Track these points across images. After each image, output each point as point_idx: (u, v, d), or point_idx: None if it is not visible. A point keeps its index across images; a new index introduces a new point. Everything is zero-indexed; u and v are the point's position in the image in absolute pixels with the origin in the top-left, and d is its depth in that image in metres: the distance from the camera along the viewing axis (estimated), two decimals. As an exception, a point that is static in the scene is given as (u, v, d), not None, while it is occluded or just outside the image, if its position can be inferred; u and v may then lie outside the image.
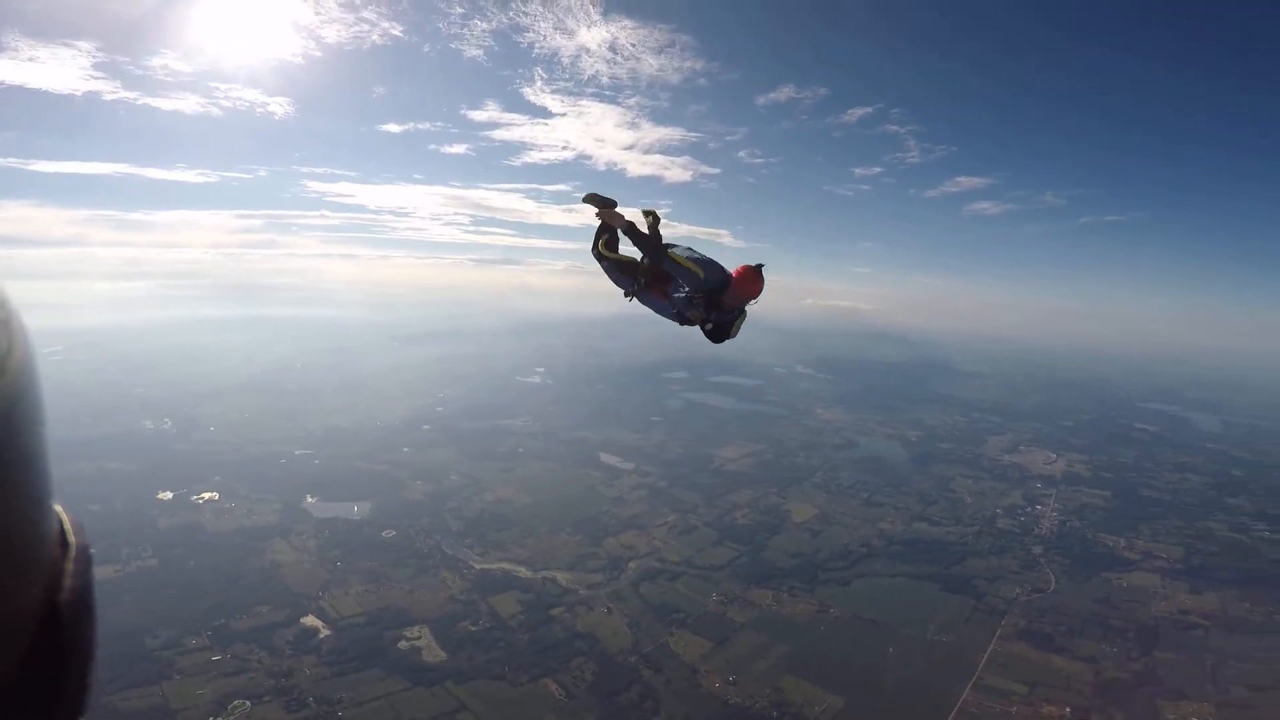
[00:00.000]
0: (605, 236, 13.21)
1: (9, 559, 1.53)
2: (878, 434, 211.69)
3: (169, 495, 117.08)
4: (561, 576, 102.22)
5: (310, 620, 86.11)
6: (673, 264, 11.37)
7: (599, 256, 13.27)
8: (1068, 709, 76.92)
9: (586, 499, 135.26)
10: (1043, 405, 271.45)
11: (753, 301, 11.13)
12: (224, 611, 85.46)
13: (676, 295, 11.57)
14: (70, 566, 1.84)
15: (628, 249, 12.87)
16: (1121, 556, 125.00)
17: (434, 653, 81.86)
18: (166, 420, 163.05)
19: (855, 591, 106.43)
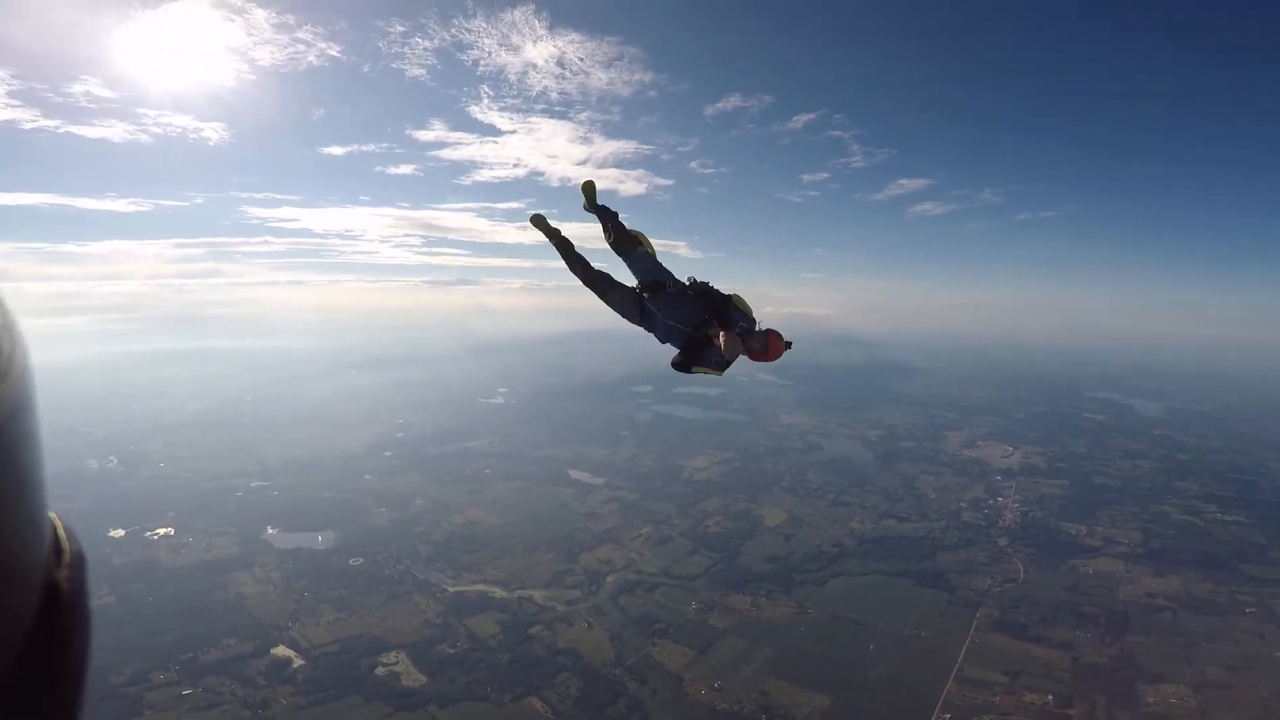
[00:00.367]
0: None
1: (6, 564, 1.52)
2: (840, 436, 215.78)
3: (121, 533, 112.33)
4: (538, 594, 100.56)
5: (281, 650, 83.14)
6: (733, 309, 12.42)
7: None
8: (1049, 696, 78.45)
9: (559, 516, 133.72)
10: (995, 399, 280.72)
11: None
12: (190, 645, 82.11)
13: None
14: (65, 573, 1.84)
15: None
16: (1084, 544, 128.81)
17: (413, 677, 79.63)
18: (112, 458, 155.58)
19: (831, 591, 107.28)
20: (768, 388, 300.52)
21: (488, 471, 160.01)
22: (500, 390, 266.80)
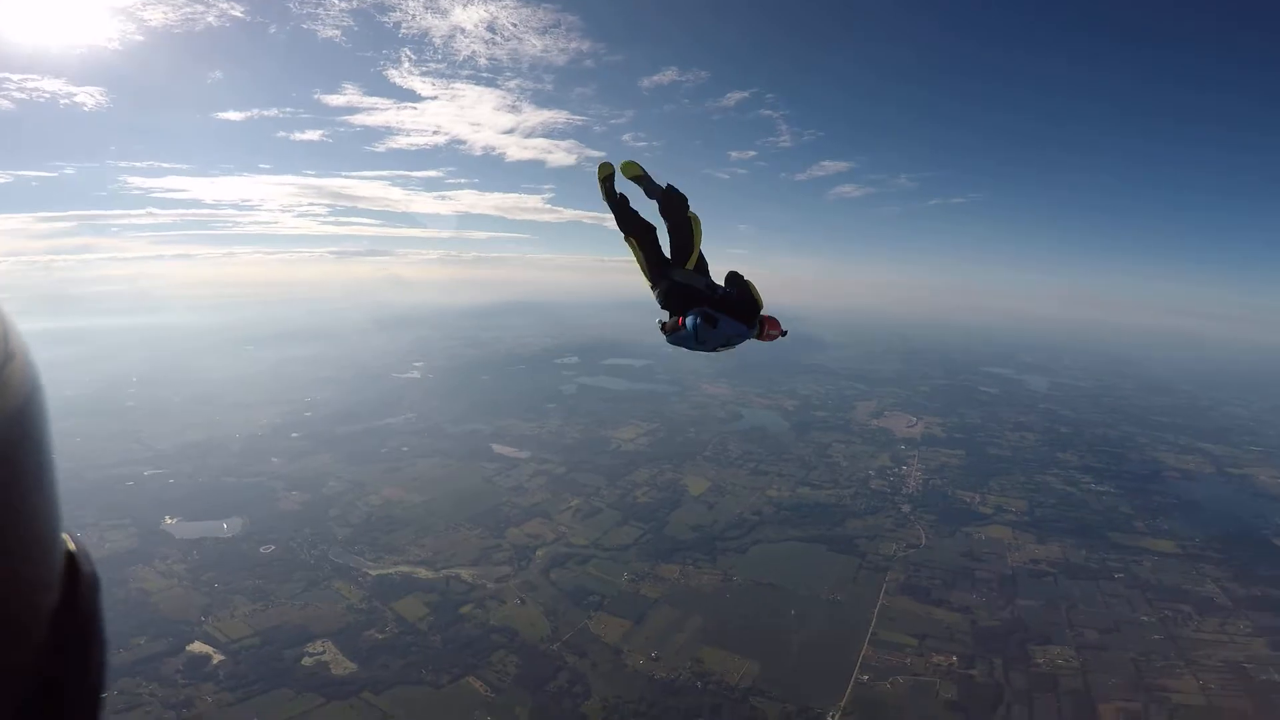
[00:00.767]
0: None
1: (18, 586, 1.49)
2: (759, 406, 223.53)
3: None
4: (466, 573, 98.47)
5: (198, 646, 78.04)
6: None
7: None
8: (954, 658, 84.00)
9: (483, 492, 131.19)
10: (901, 372, 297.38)
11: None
12: (95, 647, 75.22)
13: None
14: (81, 595, 1.80)
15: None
16: (978, 511, 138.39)
17: (342, 665, 76.48)
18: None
19: (753, 559, 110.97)
20: (692, 359, 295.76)
21: (405, 449, 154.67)
22: (416, 364, 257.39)
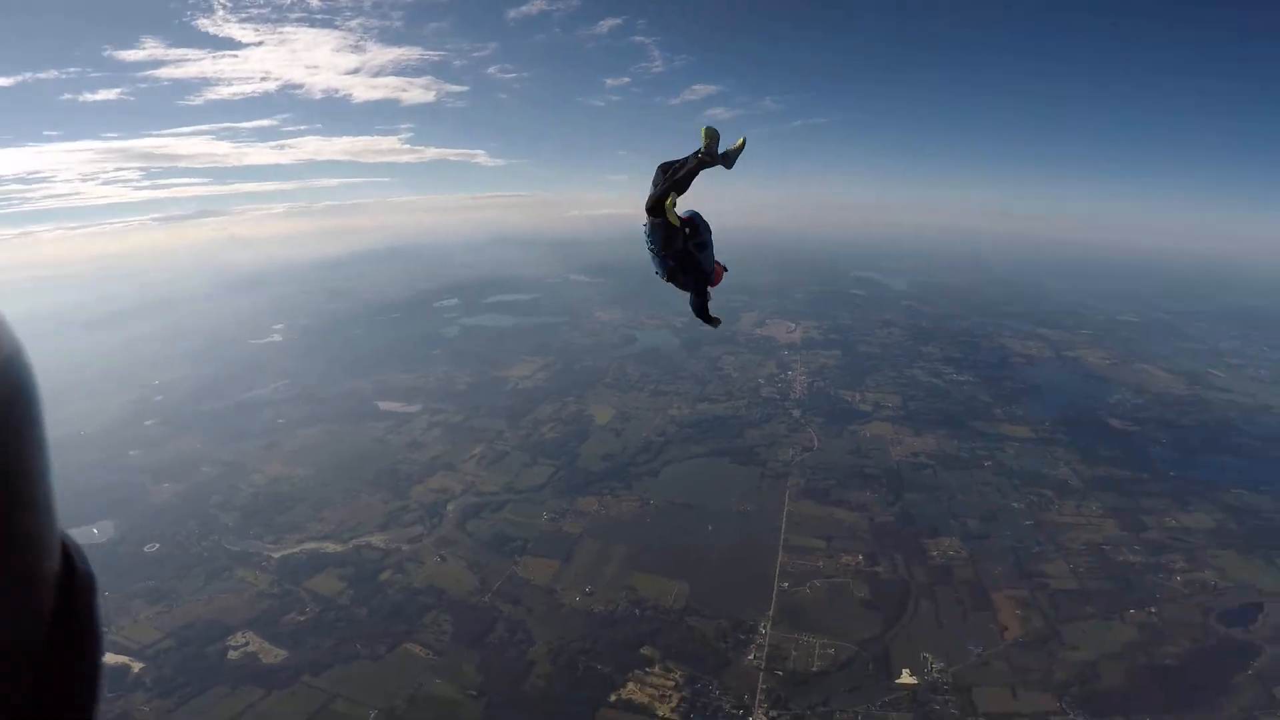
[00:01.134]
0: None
1: (11, 585, 1.48)
2: (650, 327, 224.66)
3: None
4: (377, 540, 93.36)
5: (111, 658, 69.88)
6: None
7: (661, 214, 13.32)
8: (860, 557, 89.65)
9: (376, 453, 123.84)
10: (778, 282, 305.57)
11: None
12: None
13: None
14: (77, 595, 1.80)
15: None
16: (859, 409, 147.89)
17: (271, 654, 71.52)
18: None
19: (665, 480, 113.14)
20: (580, 288, 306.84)
21: (281, 420, 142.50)
22: (275, 327, 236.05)
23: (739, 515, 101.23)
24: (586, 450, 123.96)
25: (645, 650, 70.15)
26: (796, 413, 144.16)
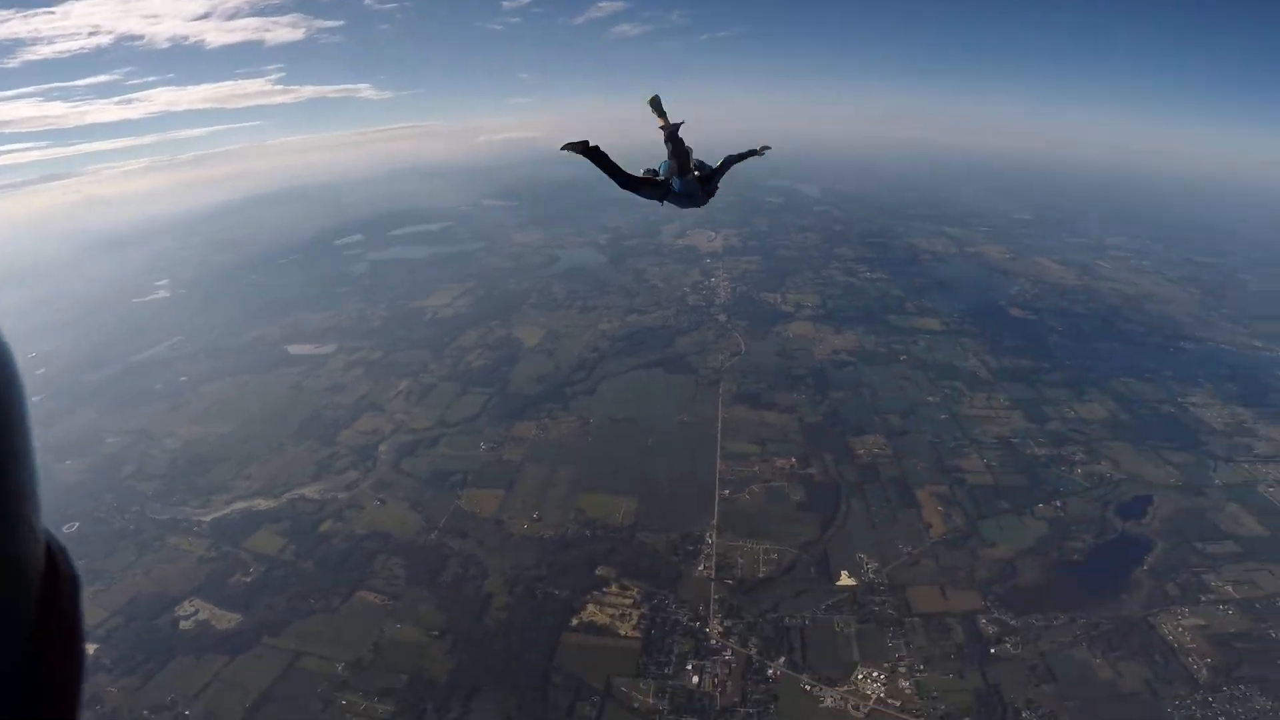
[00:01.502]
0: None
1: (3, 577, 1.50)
2: (573, 245, 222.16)
3: None
4: (310, 490, 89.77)
5: None
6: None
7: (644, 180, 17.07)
8: (793, 459, 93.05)
9: (295, 401, 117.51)
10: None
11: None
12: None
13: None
14: (60, 595, 1.79)
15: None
16: (781, 311, 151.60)
17: (224, 619, 68.94)
18: None
19: (602, 397, 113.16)
20: (495, 212, 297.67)
21: (184, 379, 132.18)
22: (159, 283, 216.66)
23: (678, 425, 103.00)
24: (518, 374, 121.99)
25: (601, 571, 71.62)
26: (723, 318, 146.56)
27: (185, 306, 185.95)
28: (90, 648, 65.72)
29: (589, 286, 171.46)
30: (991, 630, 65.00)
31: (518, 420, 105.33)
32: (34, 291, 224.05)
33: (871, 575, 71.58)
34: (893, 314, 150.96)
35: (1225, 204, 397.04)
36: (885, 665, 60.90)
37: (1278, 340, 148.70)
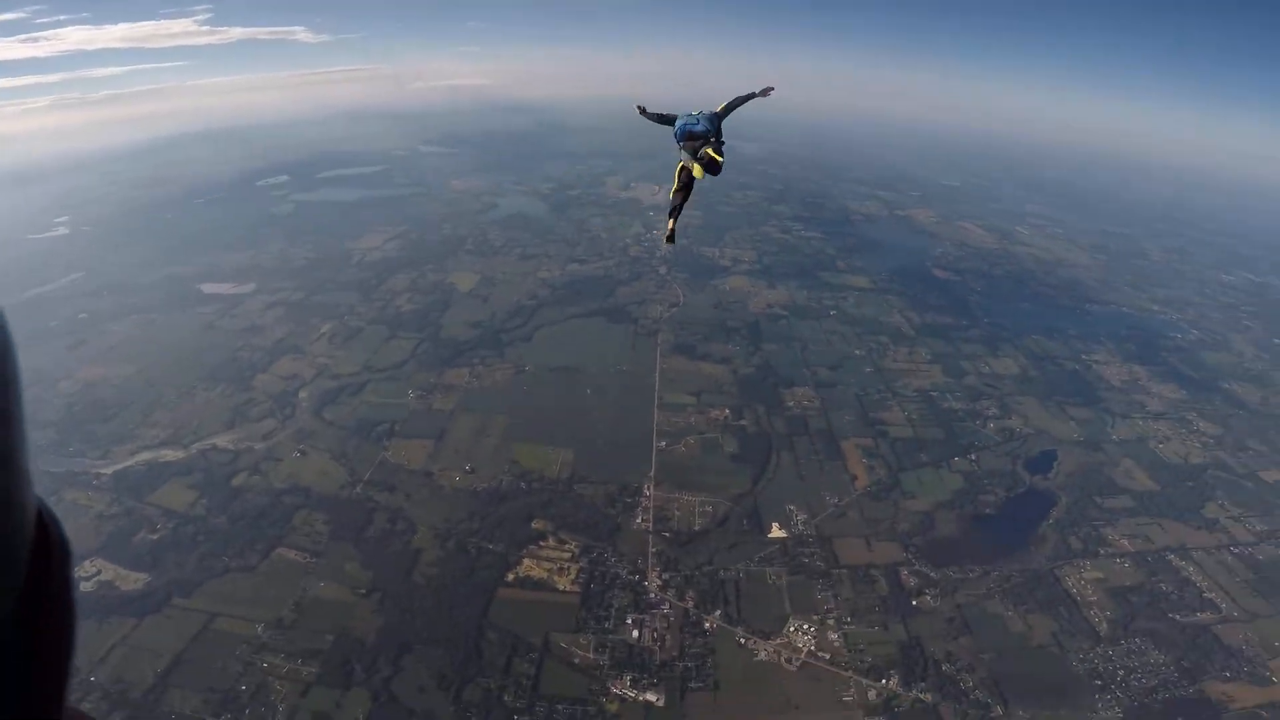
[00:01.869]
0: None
1: None
2: (515, 193, 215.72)
3: None
4: (223, 440, 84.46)
5: None
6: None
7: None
8: (727, 410, 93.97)
9: (208, 342, 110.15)
10: (644, 148, 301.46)
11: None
12: None
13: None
14: (53, 565, 1.80)
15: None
16: (719, 265, 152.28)
17: (129, 579, 64.37)
18: None
19: (539, 344, 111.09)
20: (432, 158, 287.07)
21: (83, 315, 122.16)
22: (59, 220, 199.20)
23: (616, 374, 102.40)
24: (451, 319, 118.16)
25: (537, 524, 70.77)
26: (663, 270, 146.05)
27: (88, 243, 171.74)
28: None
29: (529, 234, 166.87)
30: (913, 582, 68.16)
31: (449, 367, 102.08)
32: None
33: (800, 527, 73.67)
34: (825, 271, 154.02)
35: (1139, 179, 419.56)
36: (815, 618, 63.09)
37: (1173, 305, 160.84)
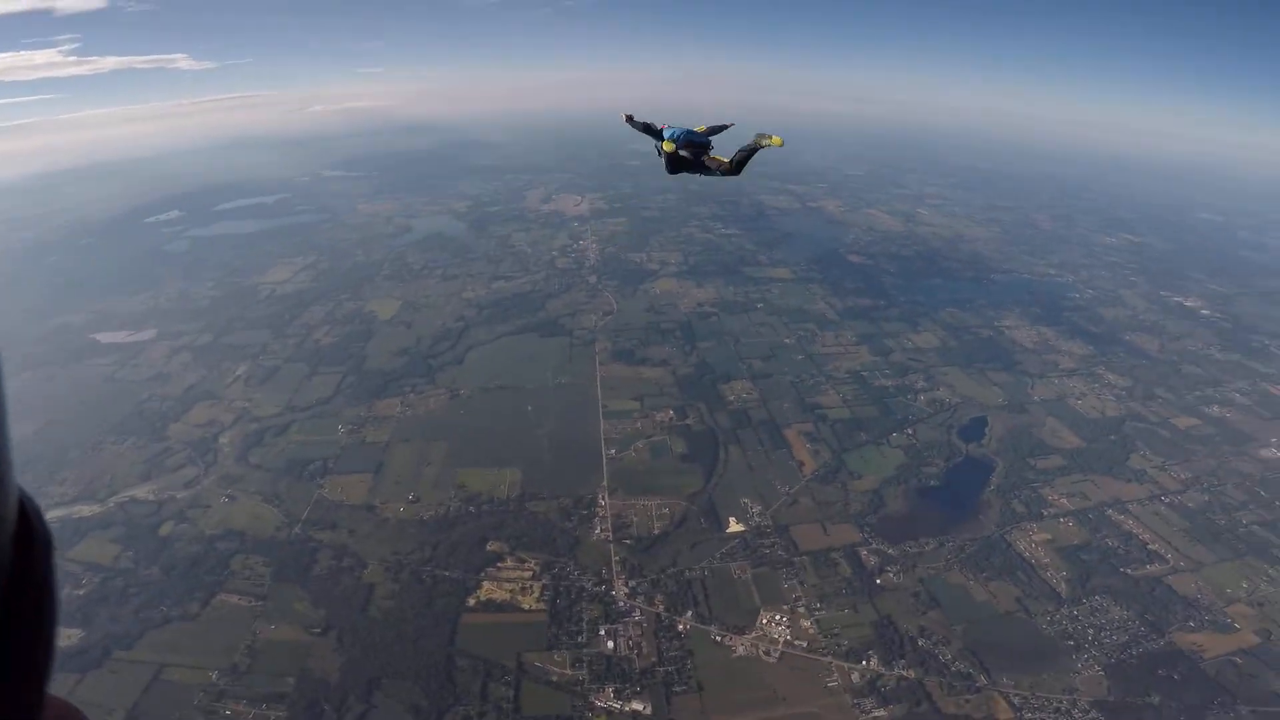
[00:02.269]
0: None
1: None
2: (430, 213, 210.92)
3: None
4: (141, 492, 78.59)
5: None
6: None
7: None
8: (671, 412, 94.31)
9: (111, 394, 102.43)
10: (561, 159, 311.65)
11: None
12: None
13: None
14: (34, 555, 1.77)
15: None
16: (648, 269, 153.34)
17: (65, 636, 59.22)
18: None
19: (472, 366, 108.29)
20: (337, 183, 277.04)
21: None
22: None
23: (555, 389, 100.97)
24: (375, 349, 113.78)
25: (492, 546, 68.69)
26: (593, 279, 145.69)
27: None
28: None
29: (449, 255, 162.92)
30: (873, 561, 69.79)
31: (379, 398, 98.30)
32: None
33: (757, 519, 74.55)
34: (748, 266, 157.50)
35: (1017, 158, 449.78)
36: (785, 607, 63.68)
37: (1067, 268, 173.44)
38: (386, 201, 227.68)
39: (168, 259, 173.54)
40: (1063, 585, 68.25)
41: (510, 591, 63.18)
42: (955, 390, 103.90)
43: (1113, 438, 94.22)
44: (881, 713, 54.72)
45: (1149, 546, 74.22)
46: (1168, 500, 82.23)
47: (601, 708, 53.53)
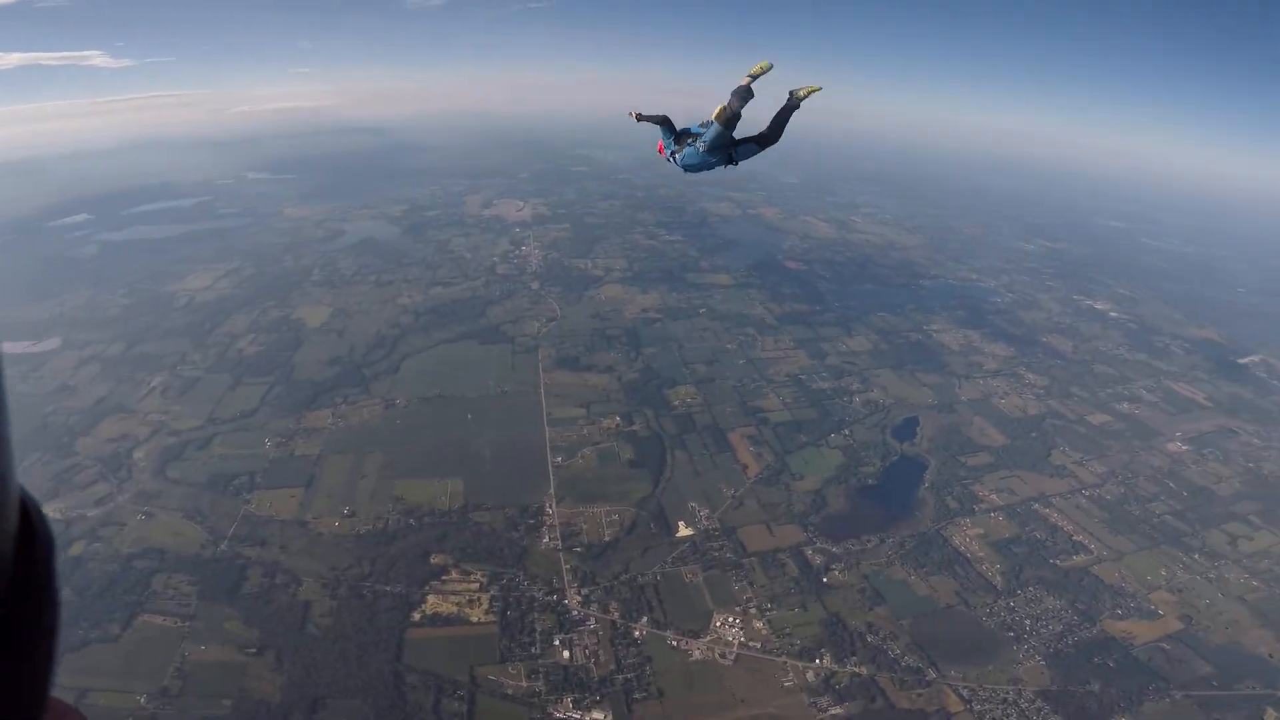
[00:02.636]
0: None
1: None
2: (363, 217, 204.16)
3: None
4: (49, 509, 70.40)
5: None
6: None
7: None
8: (617, 418, 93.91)
9: (13, 407, 79.27)
10: (502, 163, 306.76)
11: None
12: None
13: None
14: (37, 555, 1.76)
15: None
16: (592, 275, 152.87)
17: None
18: None
19: (408, 375, 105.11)
20: (262, 185, 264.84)
21: None
22: None
23: (498, 396, 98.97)
24: (303, 359, 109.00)
25: (436, 559, 66.56)
26: (536, 285, 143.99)
27: None
28: None
29: (383, 260, 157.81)
30: (819, 560, 70.98)
31: (309, 409, 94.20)
32: None
33: (705, 522, 74.89)
34: (690, 272, 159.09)
35: (938, 166, 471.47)
36: (737, 609, 64.12)
37: (988, 273, 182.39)
38: (316, 205, 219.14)
39: (75, 264, 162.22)
40: (998, 578, 70.99)
41: (457, 604, 61.39)
42: (888, 392, 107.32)
43: (1034, 434, 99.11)
44: (838, 710, 55.44)
45: (1074, 538, 78.18)
46: (1087, 494, 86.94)
47: (559, 718, 52.14)
